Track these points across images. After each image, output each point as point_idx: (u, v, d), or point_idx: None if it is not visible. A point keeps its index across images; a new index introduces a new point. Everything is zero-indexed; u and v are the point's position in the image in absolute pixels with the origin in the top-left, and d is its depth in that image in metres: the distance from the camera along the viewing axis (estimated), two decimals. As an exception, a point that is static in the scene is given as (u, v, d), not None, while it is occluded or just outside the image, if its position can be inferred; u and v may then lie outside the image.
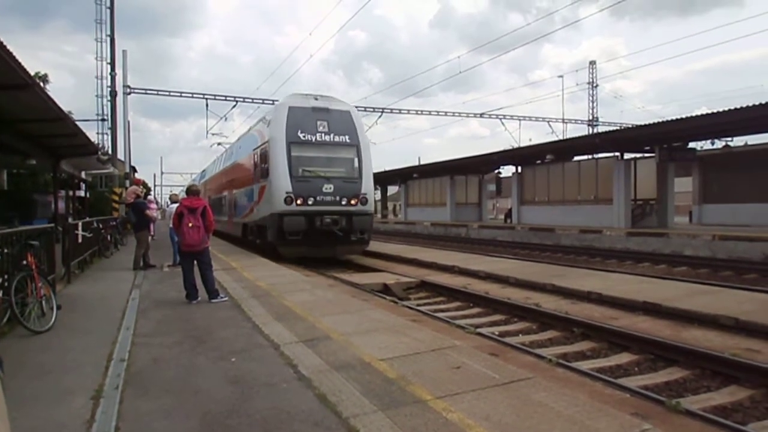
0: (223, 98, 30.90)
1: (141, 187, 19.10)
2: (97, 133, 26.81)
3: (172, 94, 30.63)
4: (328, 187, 14.83)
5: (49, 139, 10.92)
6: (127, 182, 24.97)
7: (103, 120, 26.39)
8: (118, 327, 6.51)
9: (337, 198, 14.91)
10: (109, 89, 25.27)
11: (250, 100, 31.49)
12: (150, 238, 13.86)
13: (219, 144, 35.36)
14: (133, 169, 33.16)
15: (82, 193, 24.07)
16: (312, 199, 14.62)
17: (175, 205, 11.13)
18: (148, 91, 29.42)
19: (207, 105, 30.47)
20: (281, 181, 14.60)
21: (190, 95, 30.71)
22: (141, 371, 4.77)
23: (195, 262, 8.31)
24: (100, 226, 15.49)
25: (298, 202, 14.49)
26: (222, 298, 8.26)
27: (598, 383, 5.27)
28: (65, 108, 8.94)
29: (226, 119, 31.59)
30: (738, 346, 6.38)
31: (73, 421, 3.68)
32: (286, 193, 14.47)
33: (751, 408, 4.88)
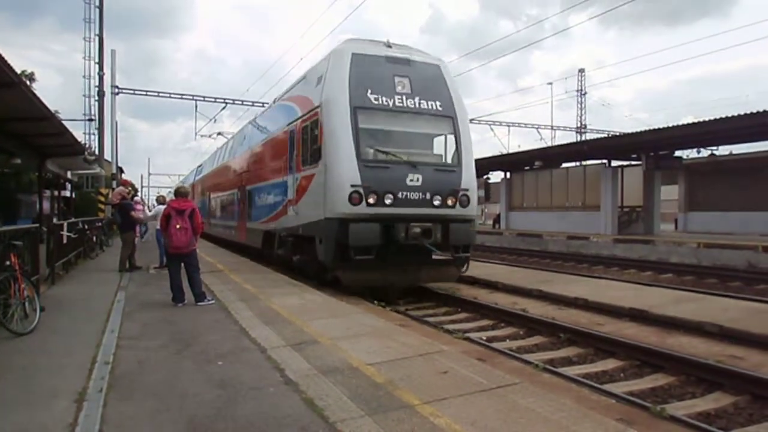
0: (213, 100, 30.71)
1: (129, 188, 18.87)
2: (84, 133, 26.67)
3: (160, 95, 30.37)
4: (415, 179, 9.82)
5: (35, 139, 10.79)
6: (114, 183, 24.74)
7: (90, 120, 26.23)
8: (103, 329, 6.44)
9: (428, 196, 9.92)
10: (96, 89, 25.08)
11: (240, 102, 31.35)
12: (136, 239, 13.74)
13: (220, 134, 31.82)
14: (120, 170, 32.91)
15: (67, 194, 23.81)
16: (390, 196, 9.60)
17: (162, 207, 11.07)
18: (137, 92, 29.16)
19: (196, 106, 30.29)
20: (343, 168, 9.53)
21: (179, 96, 30.48)
22: (126, 374, 4.72)
23: (182, 264, 8.24)
24: (86, 226, 15.32)
25: (370, 200, 9.45)
26: (209, 301, 8.20)
27: (585, 389, 5.30)
28: (52, 107, 8.86)
29: (215, 121, 31.30)
30: (722, 353, 6.45)
31: (55, 425, 3.62)
32: (352, 186, 9.39)
33: (734, 414, 4.94)
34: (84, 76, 26.24)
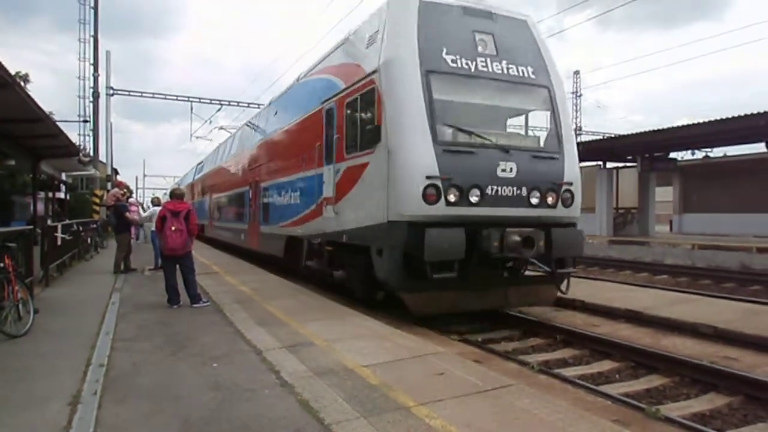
0: (208, 101, 30.61)
1: (124, 190, 18.75)
2: (79, 135, 26.51)
3: (156, 96, 30.30)
4: (508, 168, 7.60)
5: (29, 140, 10.74)
6: (109, 184, 24.66)
7: (85, 121, 26.11)
8: (97, 331, 6.41)
9: (524, 191, 7.71)
10: (91, 90, 25.01)
11: (236, 104, 31.27)
12: (132, 240, 13.69)
13: (221, 128, 28.49)
14: (115, 172, 32.81)
15: (62, 195, 23.69)
16: (477, 192, 7.37)
17: (157, 208, 11.04)
18: (132, 93, 29.10)
19: (191, 107, 30.19)
20: (414, 154, 7.24)
21: (175, 98, 30.37)
22: (120, 377, 4.69)
23: (177, 266, 8.22)
24: (80, 228, 15.25)
25: (450, 197, 7.22)
26: (204, 302, 8.17)
27: (580, 390, 5.32)
28: (47, 108, 8.83)
29: (210, 122, 31.13)
30: (717, 354, 6.48)
31: (49, 428, 3.60)
32: (427, 178, 7.12)
33: (728, 415, 4.95)
34: (79, 78, 26.15)
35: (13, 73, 6.63)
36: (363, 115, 8.35)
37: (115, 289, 9.76)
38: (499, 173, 7.54)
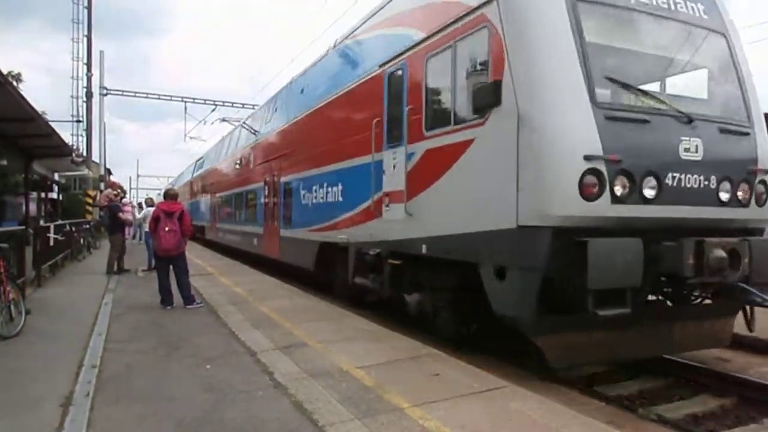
0: (202, 102, 30.49)
1: (117, 190, 18.67)
2: (72, 135, 26.37)
3: (149, 96, 30.17)
4: (692, 147, 5.13)
5: (22, 140, 10.70)
6: (102, 185, 24.54)
7: (78, 121, 25.98)
8: (90, 332, 6.37)
9: (712, 182, 5.24)
10: (85, 90, 24.90)
11: (230, 104, 31.15)
12: (127, 240, 13.65)
13: (224, 120, 25.00)
14: (108, 172, 32.64)
15: (54, 195, 23.57)
16: (653, 183, 4.92)
17: (151, 209, 11.01)
18: (125, 93, 28.97)
19: (185, 108, 30.05)
20: (562, 119, 4.80)
21: (169, 98, 30.26)
22: (113, 378, 4.67)
23: (171, 267, 8.19)
24: (73, 229, 15.17)
25: (617, 190, 4.76)
26: (198, 304, 8.14)
27: (574, 391, 5.33)
28: (39, 108, 8.79)
29: (205, 123, 31.03)
30: (709, 355, 6.50)
31: (41, 429, 3.58)
32: (586, 159, 4.64)
33: (721, 416, 4.97)
34: (72, 77, 26.03)
35: (5, 72, 6.59)
36: (463, 71, 5.96)
37: (108, 290, 9.72)
38: (682, 153, 5.10)
